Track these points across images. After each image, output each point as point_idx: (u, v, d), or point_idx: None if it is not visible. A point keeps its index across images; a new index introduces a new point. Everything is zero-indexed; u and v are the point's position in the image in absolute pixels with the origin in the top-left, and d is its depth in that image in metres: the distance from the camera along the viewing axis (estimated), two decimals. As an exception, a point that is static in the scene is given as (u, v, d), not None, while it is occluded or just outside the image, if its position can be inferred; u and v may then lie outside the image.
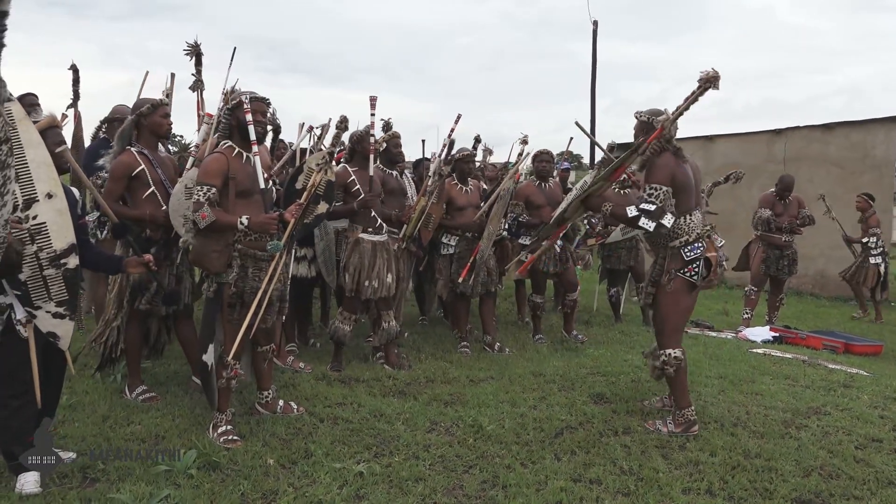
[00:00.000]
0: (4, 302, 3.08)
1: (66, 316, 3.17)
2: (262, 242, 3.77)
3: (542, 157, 6.60)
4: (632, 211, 3.94)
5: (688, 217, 4.04)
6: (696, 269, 4.01)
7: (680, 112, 3.90)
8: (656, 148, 3.99)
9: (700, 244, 4.03)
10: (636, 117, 4.34)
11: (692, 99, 3.81)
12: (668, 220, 3.93)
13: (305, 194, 4.10)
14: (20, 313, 3.08)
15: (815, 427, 4.22)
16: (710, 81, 3.72)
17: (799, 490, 3.36)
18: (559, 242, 6.51)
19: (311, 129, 5.74)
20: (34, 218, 3.06)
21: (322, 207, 4.76)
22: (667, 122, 3.94)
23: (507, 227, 6.47)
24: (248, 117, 3.70)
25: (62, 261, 3.14)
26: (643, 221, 3.91)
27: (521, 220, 6.39)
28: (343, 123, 4.78)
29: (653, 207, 3.89)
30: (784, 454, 3.77)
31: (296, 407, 4.21)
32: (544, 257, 6.37)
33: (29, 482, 3.06)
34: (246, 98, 3.73)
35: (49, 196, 3.13)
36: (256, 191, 3.79)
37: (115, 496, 3.02)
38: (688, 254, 4.01)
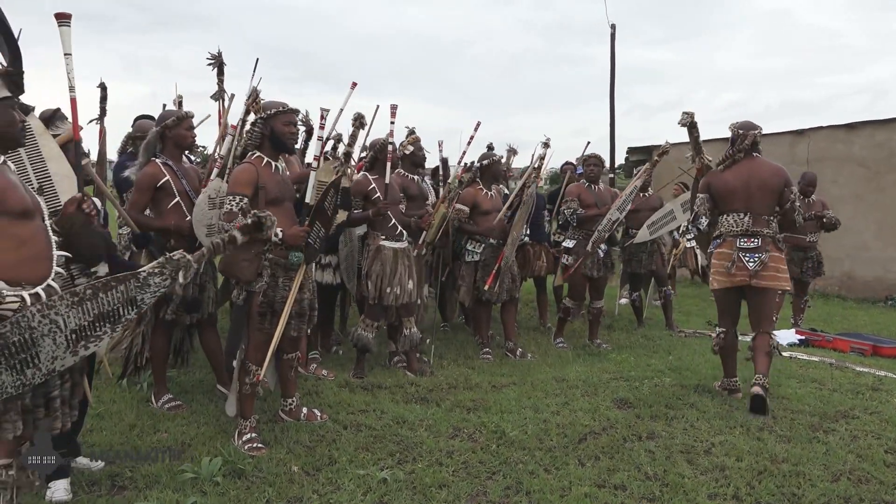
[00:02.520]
0: None
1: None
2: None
3: (591, 161, 6.64)
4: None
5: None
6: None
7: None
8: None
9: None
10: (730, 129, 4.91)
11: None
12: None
13: (321, 197, 4.13)
14: None
15: (843, 431, 4.16)
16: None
17: (828, 495, 3.31)
18: (603, 247, 6.48)
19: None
20: None
21: (342, 216, 4.79)
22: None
23: (528, 231, 6.48)
24: (285, 129, 3.81)
25: (92, 269, 3.18)
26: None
27: (577, 213, 6.41)
28: (359, 121, 4.75)
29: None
30: (812, 459, 3.72)
31: (319, 414, 4.24)
32: (588, 262, 6.38)
33: (59, 490, 3.10)
34: (283, 108, 3.81)
35: None
36: (287, 198, 3.84)
37: (143, 503, 3.05)
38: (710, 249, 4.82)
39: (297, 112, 3.96)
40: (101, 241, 2.94)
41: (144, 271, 2.49)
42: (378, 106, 5.41)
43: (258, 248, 3.71)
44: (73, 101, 3.07)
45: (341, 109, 5.22)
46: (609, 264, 6.59)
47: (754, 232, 4.66)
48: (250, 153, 3.84)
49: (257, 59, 4.72)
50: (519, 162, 7.43)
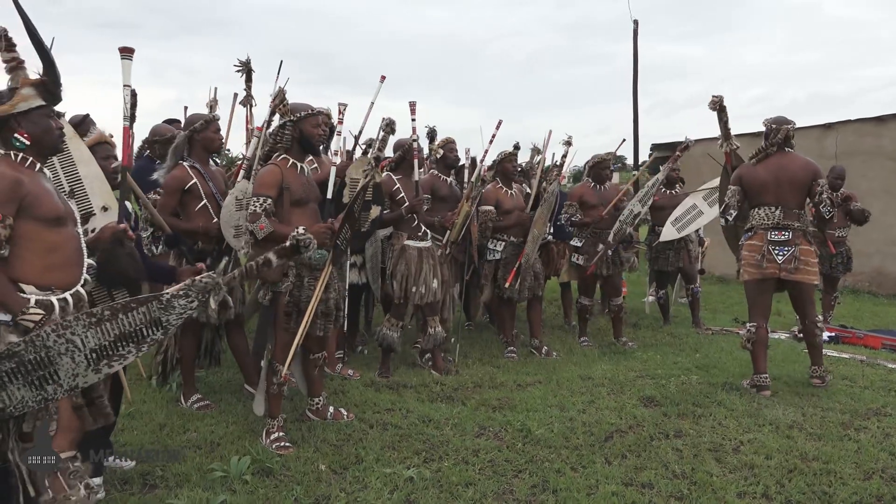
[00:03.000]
0: None
1: None
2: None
3: (601, 165, 6.58)
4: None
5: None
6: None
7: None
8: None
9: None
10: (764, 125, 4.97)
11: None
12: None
13: (351, 201, 4.16)
14: None
15: (875, 429, 4.10)
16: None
17: (859, 493, 3.26)
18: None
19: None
20: (92, 231, 3.14)
21: (375, 212, 4.83)
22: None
23: (552, 230, 6.46)
24: (314, 131, 3.86)
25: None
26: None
27: (574, 219, 6.38)
28: (390, 126, 4.80)
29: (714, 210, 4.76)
30: (843, 457, 3.67)
31: (346, 413, 4.26)
32: (598, 260, 6.38)
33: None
34: (312, 111, 3.87)
35: (105, 209, 3.24)
36: (311, 199, 3.87)
37: (174, 501, 3.10)
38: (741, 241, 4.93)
39: (324, 114, 3.99)
40: (131, 269, 2.97)
41: (168, 293, 2.45)
42: (345, 105, 5.38)
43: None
44: (126, 131, 3.14)
45: (372, 103, 5.28)
46: (618, 261, 6.54)
47: (785, 225, 4.75)
48: (276, 154, 3.87)
49: (281, 62, 4.78)
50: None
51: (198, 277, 2.51)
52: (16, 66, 3.01)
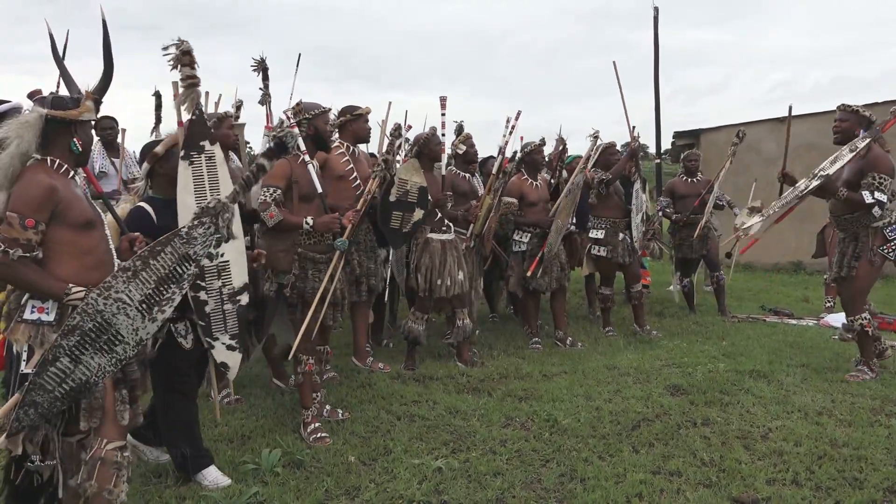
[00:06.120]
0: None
1: (237, 349, 3.34)
2: (320, 245, 3.96)
3: (610, 150, 6.61)
4: (868, 198, 4.61)
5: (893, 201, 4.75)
6: (894, 247, 4.75)
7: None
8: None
9: None
10: (855, 111, 4.83)
11: None
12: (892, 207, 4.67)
13: (361, 201, 4.23)
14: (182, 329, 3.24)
15: (906, 414, 4.06)
16: None
17: (891, 479, 3.24)
18: (627, 232, 6.49)
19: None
20: (221, 255, 3.20)
21: (418, 214, 4.90)
22: None
23: (574, 221, 6.45)
24: (327, 128, 4.04)
25: (238, 297, 3.33)
26: (876, 210, 4.63)
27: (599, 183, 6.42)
28: (397, 131, 4.88)
29: (884, 197, 4.60)
30: (874, 443, 3.65)
31: (341, 413, 4.26)
32: (619, 249, 6.39)
33: (213, 475, 3.30)
34: (326, 109, 4.04)
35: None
36: (315, 195, 3.94)
37: (208, 493, 3.16)
38: (890, 234, 4.74)
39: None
40: None
41: (185, 227, 2.58)
42: (390, 102, 5.45)
43: (294, 239, 3.87)
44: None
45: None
46: (634, 250, 6.56)
47: None
48: None
49: (300, 55, 4.79)
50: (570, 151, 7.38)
51: (205, 203, 2.65)
52: (192, 84, 3.14)
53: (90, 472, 2.48)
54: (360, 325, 5.42)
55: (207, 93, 5.26)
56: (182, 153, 3.15)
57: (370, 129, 5.15)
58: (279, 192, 3.81)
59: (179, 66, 3.14)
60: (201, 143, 3.10)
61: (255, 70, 4.98)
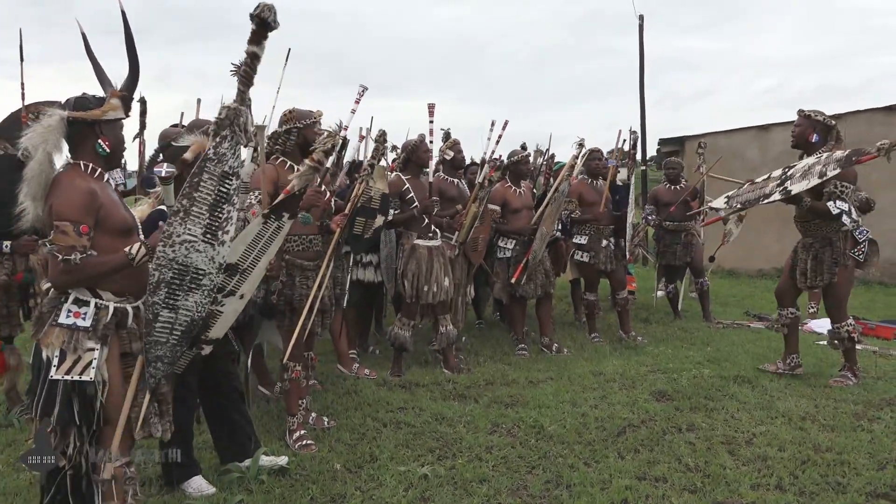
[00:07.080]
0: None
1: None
2: (308, 252, 3.95)
3: (594, 156, 6.62)
4: (833, 209, 4.66)
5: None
6: (863, 249, 4.84)
7: None
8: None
9: (866, 228, 4.85)
10: (808, 116, 5.06)
11: None
12: (856, 214, 4.70)
13: (350, 205, 4.24)
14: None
15: (888, 419, 4.10)
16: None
17: (874, 483, 3.27)
18: (611, 240, 6.51)
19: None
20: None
21: (379, 221, 4.89)
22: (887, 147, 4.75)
23: (560, 227, 6.47)
24: (316, 136, 3.93)
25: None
26: (844, 218, 4.66)
27: (573, 216, 6.42)
28: (382, 137, 4.88)
29: (846, 206, 4.65)
30: (856, 447, 3.68)
31: (326, 420, 4.23)
32: (601, 256, 6.41)
33: (198, 482, 3.27)
34: (316, 118, 3.99)
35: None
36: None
37: (192, 502, 3.14)
38: (860, 236, 4.83)
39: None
40: None
41: (211, 148, 2.59)
42: (366, 88, 5.19)
43: (282, 245, 3.83)
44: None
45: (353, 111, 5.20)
46: (619, 256, 6.58)
47: None
48: (274, 157, 3.94)
49: (289, 49, 4.66)
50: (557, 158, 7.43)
51: (215, 118, 2.66)
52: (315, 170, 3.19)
53: (107, 493, 2.50)
54: (335, 332, 5.39)
55: (199, 100, 5.27)
56: (268, 211, 3.12)
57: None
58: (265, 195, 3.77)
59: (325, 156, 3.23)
60: (284, 214, 3.12)
61: (234, 74, 4.93)
